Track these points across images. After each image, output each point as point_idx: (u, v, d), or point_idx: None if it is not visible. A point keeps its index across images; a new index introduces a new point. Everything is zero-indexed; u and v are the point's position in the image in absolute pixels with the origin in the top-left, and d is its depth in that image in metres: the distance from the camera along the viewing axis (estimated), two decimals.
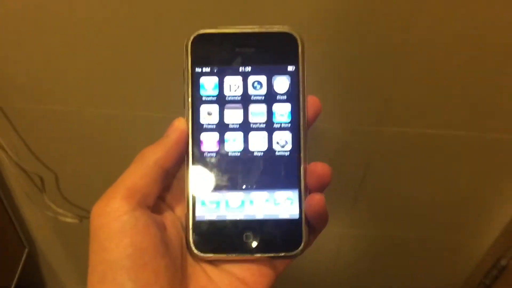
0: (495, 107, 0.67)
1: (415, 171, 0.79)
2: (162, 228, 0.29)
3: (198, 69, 0.31)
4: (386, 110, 0.69)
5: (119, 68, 0.65)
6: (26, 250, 0.99)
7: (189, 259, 0.31)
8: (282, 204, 0.31)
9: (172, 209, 0.32)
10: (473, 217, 0.87)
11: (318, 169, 0.30)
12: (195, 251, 0.30)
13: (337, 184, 0.82)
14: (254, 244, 0.31)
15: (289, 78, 0.32)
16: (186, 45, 0.31)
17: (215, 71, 0.31)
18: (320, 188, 0.31)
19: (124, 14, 0.59)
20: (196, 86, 0.31)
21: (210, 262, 0.31)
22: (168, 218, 0.31)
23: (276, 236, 0.31)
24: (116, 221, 0.27)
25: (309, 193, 0.31)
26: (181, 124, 0.31)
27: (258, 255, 0.31)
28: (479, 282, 0.97)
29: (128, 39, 0.62)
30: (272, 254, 0.31)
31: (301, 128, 0.31)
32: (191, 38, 0.31)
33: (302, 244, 0.31)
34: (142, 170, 0.29)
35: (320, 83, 0.66)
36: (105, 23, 0.60)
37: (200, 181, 0.31)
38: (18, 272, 0.95)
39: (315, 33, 0.60)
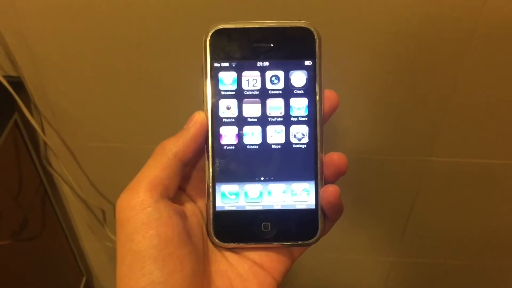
0: None
1: (464, 200, 0.80)
2: (184, 217, 0.31)
3: (216, 64, 0.32)
4: (436, 141, 0.71)
5: (178, 106, 0.69)
6: (84, 278, 1.04)
7: (210, 245, 0.32)
8: (299, 195, 0.32)
9: (191, 198, 0.33)
10: None
11: (335, 159, 0.31)
12: (216, 240, 0.32)
13: (387, 213, 0.83)
14: (272, 233, 0.32)
15: (306, 73, 0.32)
16: (204, 40, 0.32)
17: (234, 65, 0.32)
18: (337, 178, 0.32)
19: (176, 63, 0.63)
20: (215, 80, 0.32)
21: (230, 249, 0.32)
22: (188, 207, 0.32)
23: (293, 226, 0.32)
24: (141, 214, 0.28)
25: (325, 184, 0.32)
26: (201, 117, 0.32)
27: (276, 243, 0.32)
28: None
29: (184, 84, 0.66)
30: (289, 243, 0.32)
31: (318, 121, 0.32)
32: (210, 33, 0.32)
33: (318, 233, 0.32)
34: (162, 163, 0.30)
35: (371, 114, 0.69)
36: (161, 70, 0.65)
37: (220, 173, 0.32)
38: None
39: (368, 65, 0.63)
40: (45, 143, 0.76)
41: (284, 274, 0.33)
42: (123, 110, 0.72)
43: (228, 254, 0.33)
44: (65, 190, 0.85)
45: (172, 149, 0.31)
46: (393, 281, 0.99)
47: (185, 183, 0.33)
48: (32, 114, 0.70)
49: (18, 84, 0.68)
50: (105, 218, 0.87)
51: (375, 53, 0.61)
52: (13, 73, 0.67)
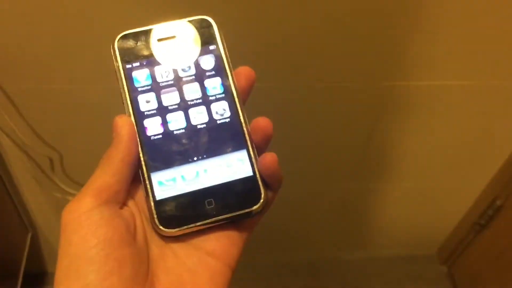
0: (495, 55, 0.71)
1: (418, 123, 0.82)
2: (128, 219, 0.30)
3: (128, 66, 0.34)
4: (393, 66, 0.71)
5: None
6: (30, 234, 0.98)
7: (157, 244, 0.32)
8: (234, 166, 0.33)
9: (134, 198, 0.33)
10: (468, 161, 0.92)
11: (260, 123, 0.33)
12: (162, 229, 0.31)
13: (347, 139, 0.84)
14: (217, 208, 0.32)
15: (213, 56, 0.35)
16: (112, 46, 0.34)
17: (144, 63, 0.34)
18: (266, 142, 0.34)
19: None
20: (130, 80, 0.34)
21: (179, 239, 0.32)
22: (133, 208, 0.32)
23: (236, 196, 0.33)
24: (82, 216, 0.28)
25: (257, 150, 0.34)
26: (124, 120, 0.33)
27: (224, 216, 0.32)
28: (474, 223, 1.03)
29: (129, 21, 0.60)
30: (237, 213, 0.32)
31: (235, 95, 0.35)
32: (116, 39, 0.34)
33: (262, 198, 0.33)
34: (112, 169, 0.30)
35: (333, 41, 0.67)
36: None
37: (153, 163, 0.33)
38: (25, 255, 0.94)
39: None
40: None
41: (238, 258, 0.32)
42: (66, 46, 0.65)
43: (177, 249, 0.31)
44: (2, 139, 0.77)
45: (117, 156, 0.31)
46: (351, 204, 1.03)
47: (131, 187, 0.33)
48: None
49: None
50: (53, 167, 0.80)
51: None
52: None
